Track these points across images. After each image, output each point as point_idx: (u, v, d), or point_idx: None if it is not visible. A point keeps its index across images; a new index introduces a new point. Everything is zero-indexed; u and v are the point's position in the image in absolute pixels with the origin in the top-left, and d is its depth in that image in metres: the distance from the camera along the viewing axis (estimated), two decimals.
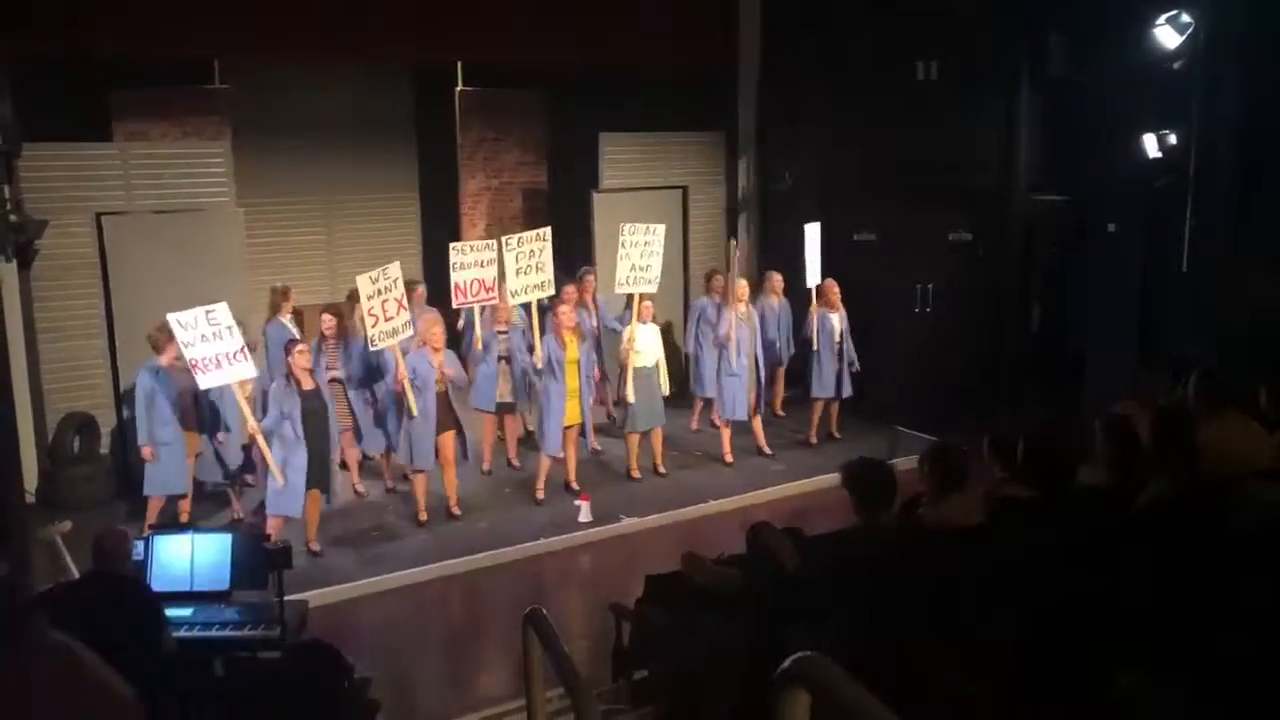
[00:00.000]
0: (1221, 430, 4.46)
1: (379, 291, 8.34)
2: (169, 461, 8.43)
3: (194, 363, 7.73)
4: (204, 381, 7.87)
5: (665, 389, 10.08)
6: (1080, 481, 4.49)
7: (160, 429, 8.38)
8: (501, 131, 13.66)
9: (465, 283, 9.35)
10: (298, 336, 9.34)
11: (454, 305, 9.60)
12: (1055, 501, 4.15)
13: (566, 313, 9.33)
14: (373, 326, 8.33)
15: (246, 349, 7.93)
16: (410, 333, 8.63)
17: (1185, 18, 9.14)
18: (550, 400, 9.27)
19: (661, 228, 9.97)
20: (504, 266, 9.29)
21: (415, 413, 8.49)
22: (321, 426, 8.15)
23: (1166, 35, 9.25)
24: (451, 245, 9.55)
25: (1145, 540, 3.48)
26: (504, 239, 9.45)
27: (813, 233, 10.73)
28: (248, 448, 8.87)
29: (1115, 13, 9.69)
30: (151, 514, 8.45)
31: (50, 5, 9.11)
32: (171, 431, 8.42)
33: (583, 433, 9.62)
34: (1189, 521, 3.58)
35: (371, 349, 8.59)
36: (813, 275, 10.67)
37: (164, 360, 8.39)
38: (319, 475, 8.15)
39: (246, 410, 7.95)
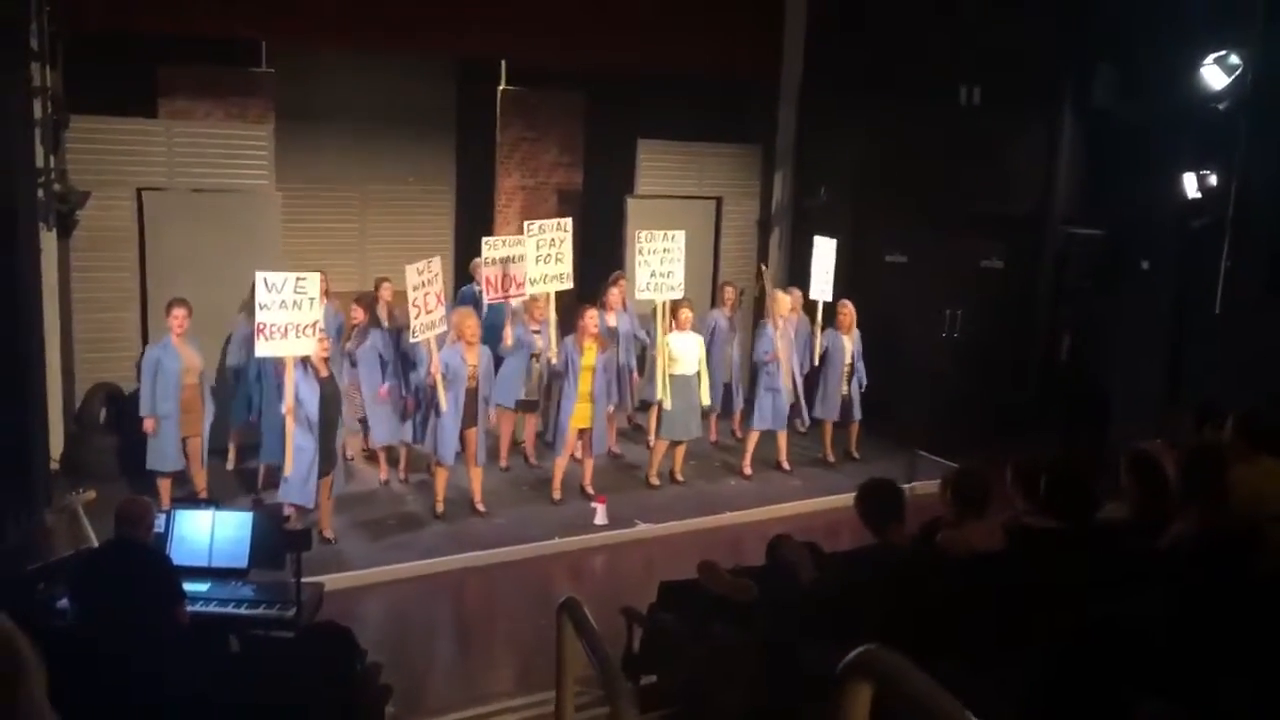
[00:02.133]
0: (1252, 474, 4.44)
1: (424, 283, 8.39)
2: (166, 436, 8.42)
3: (261, 326, 7.67)
4: (262, 349, 7.80)
5: (705, 399, 10.08)
6: (1103, 516, 4.48)
7: (162, 403, 8.37)
8: (540, 131, 13.71)
9: (496, 277, 9.41)
10: (337, 322, 9.46)
11: (485, 300, 9.65)
12: (1077, 533, 4.14)
13: (592, 317, 9.32)
14: (416, 318, 8.37)
15: (318, 325, 7.94)
16: (445, 327, 8.68)
17: (1234, 59, 9.09)
18: (562, 402, 9.31)
19: (681, 234, 9.97)
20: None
21: (445, 407, 8.53)
22: (335, 414, 8.18)
23: (1214, 75, 9.20)
24: (484, 239, 9.60)
25: (1168, 577, 3.47)
26: (526, 224, 9.48)
27: (824, 247, 10.74)
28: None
29: (1164, 48, 9.63)
30: (163, 492, 8.39)
31: None
32: (171, 406, 8.39)
33: (596, 435, 9.59)
34: (1213, 561, 3.57)
35: (412, 340, 8.62)
36: (820, 290, 10.68)
37: (173, 334, 8.42)
38: (329, 463, 8.17)
39: (289, 389, 7.82)
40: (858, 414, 10.85)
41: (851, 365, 10.70)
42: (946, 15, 10.93)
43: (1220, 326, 9.55)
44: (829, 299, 10.70)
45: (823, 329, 10.68)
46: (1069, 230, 11.23)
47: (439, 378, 8.48)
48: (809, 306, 10.83)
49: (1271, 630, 3.09)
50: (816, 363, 10.65)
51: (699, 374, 9.90)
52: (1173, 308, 10.17)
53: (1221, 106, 9.26)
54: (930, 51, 11.19)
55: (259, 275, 7.77)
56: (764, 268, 10.94)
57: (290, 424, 7.79)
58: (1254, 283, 9.29)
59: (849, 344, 10.66)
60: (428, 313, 8.42)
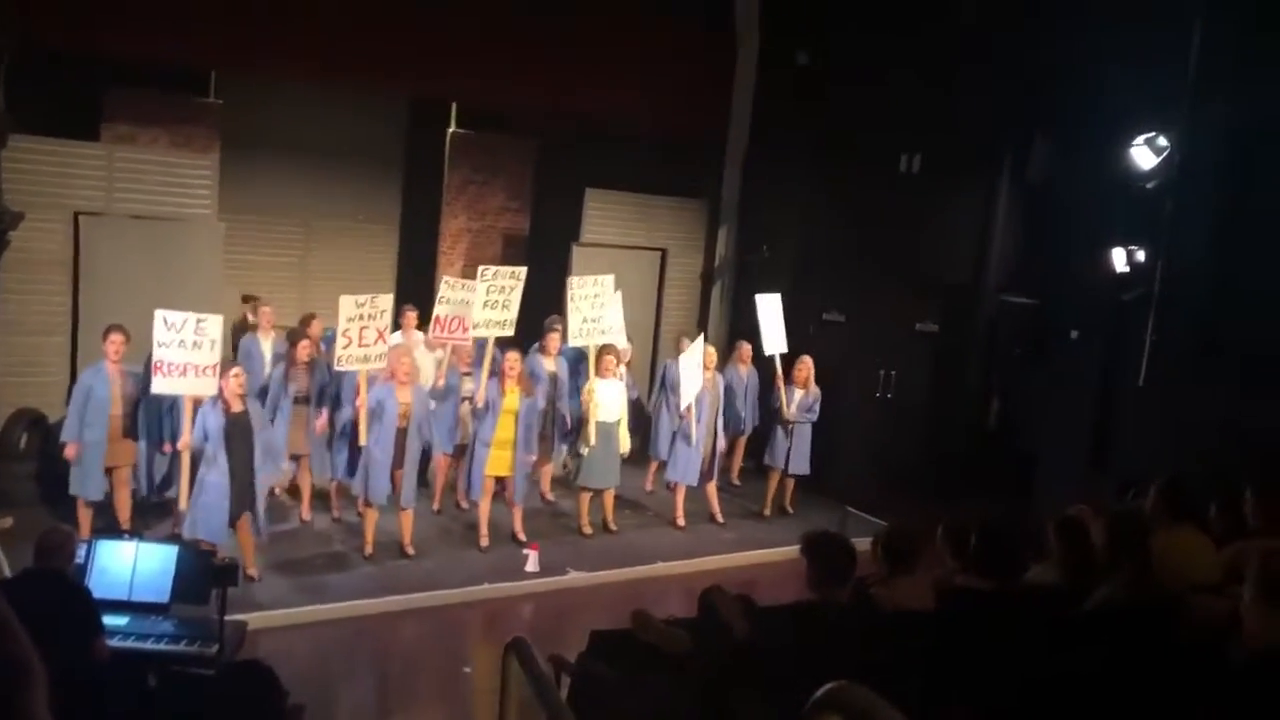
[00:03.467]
0: (1174, 541, 4.56)
1: (361, 316, 8.35)
2: (91, 464, 8.21)
3: (159, 364, 7.65)
4: (158, 385, 7.79)
5: (625, 447, 10.07)
6: (1031, 579, 4.57)
7: (88, 430, 8.18)
8: (488, 175, 13.78)
9: (446, 317, 9.40)
10: (265, 355, 9.35)
11: (430, 338, 9.63)
12: (1006, 594, 4.21)
13: (514, 359, 9.19)
14: (344, 348, 8.32)
15: (217, 369, 7.85)
16: (382, 364, 8.62)
17: (1162, 141, 9.44)
18: (476, 446, 9.22)
19: (610, 278, 10.00)
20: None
21: (364, 441, 8.45)
22: (245, 450, 7.88)
23: (1143, 155, 9.54)
24: (444, 278, 9.61)
25: (1094, 640, 3.55)
26: (481, 269, 9.49)
27: (768, 304, 10.87)
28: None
29: (1098, 126, 9.98)
30: (83, 521, 8.16)
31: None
32: (98, 433, 8.19)
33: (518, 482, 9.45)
34: (1138, 626, 3.65)
35: (336, 368, 8.58)
36: (771, 344, 10.79)
37: (107, 357, 8.25)
38: (242, 500, 7.91)
39: (187, 424, 7.79)
40: (805, 468, 10.91)
41: (794, 420, 10.74)
42: (890, 85, 11.23)
43: (1144, 397, 9.82)
44: (784, 351, 10.80)
45: (786, 383, 10.76)
46: (1002, 298, 11.51)
47: (364, 412, 8.41)
48: (763, 361, 10.89)
49: (1192, 696, 3.16)
50: (788, 414, 10.69)
51: (619, 421, 9.89)
52: (1100, 377, 10.44)
53: (1150, 185, 9.59)
54: (873, 119, 11.48)
55: (158, 313, 7.74)
56: (685, 341, 10.96)
57: (185, 459, 7.71)
58: (1178, 356, 9.58)
59: (801, 398, 10.75)
60: (360, 345, 8.37)
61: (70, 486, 8.27)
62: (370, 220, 13.29)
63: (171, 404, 8.56)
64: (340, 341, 8.34)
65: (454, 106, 13.11)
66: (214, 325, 7.81)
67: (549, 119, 12.34)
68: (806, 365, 10.78)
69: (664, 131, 12.29)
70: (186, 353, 7.68)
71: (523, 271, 9.58)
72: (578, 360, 10.31)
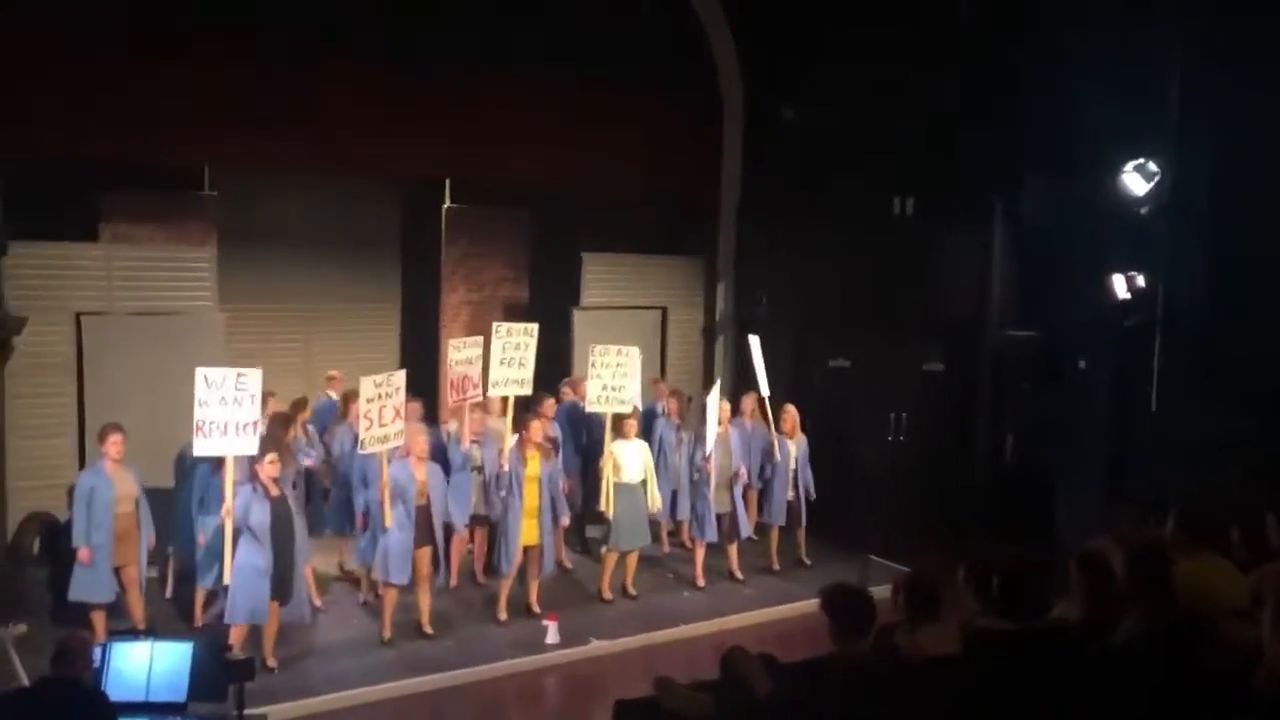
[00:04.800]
0: (1197, 569, 4.48)
1: (380, 396, 8.30)
2: (100, 565, 8.10)
3: (200, 424, 7.56)
4: (200, 447, 7.67)
5: (654, 505, 10.02)
6: (1056, 616, 4.48)
7: (95, 532, 8.07)
8: (485, 247, 13.82)
9: (459, 379, 9.43)
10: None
11: (450, 403, 9.62)
12: (1032, 635, 4.13)
13: (535, 428, 9.23)
14: (366, 430, 8.27)
15: (258, 425, 7.82)
16: (400, 442, 8.58)
17: (1152, 166, 9.49)
18: (508, 519, 9.15)
19: (635, 350, 10.09)
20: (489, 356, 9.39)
21: (389, 524, 8.39)
22: (287, 534, 7.94)
23: (1134, 181, 9.59)
24: (450, 341, 9.66)
25: (1122, 676, 3.47)
26: (495, 325, 9.54)
27: (755, 345, 10.88)
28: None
29: (1086, 156, 10.04)
30: (97, 624, 8.05)
31: (47, 107, 9.25)
32: (104, 535, 8.10)
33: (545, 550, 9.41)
34: (1164, 658, 3.58)
35: (361, 452, 8.52)
36: (762, 385, 10.78)
37: (107, 461, 8.19)
38: (283, 588, 7.92)
39: (229, 493, 7.65)
40: (803, 519, 10.82)
41: (796, 470, 10.70)
42: (878, 131, 11.32)
43: (1157, 421, 9.76)
44: (767, 394, 10.77)
45: (777, 432, 10.72)
46: (1005, 333, 11.50)
47: (387, 493, 8.36)
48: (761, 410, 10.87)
49: None
50: (792, 466, 10.63)
51: (644, 482, 9.87)
52: (1111, 404, 10.39)
53: (1144, 210, 9.63)
54: (862, 164, 11.56)
55: (199, 371, 7.66)
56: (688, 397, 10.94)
57: (229, 530, 7.58)
58: (1187, 377, 9.54)
59: (794, 448, 10.70)
60: (380, 425, 8.32)
61: (71, 592, 8.11)
62: (370, 299, 13.35)
63: (201, 498, 8.53)
64: (363, 425, 8.25)
65: (447, 182, 13.23)
66: (254, 380, 7.75)
67: (542, 188, 12.44)
68: (791, 414, 10.75)
69: (657, 191, 12.39)
70: (228, 409, 7.60)
71: (535, 328, 9.67)
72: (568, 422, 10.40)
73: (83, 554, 8.07)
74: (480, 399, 9.65)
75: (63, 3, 9.34)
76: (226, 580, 7.63)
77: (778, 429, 10.70)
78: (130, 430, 8.41)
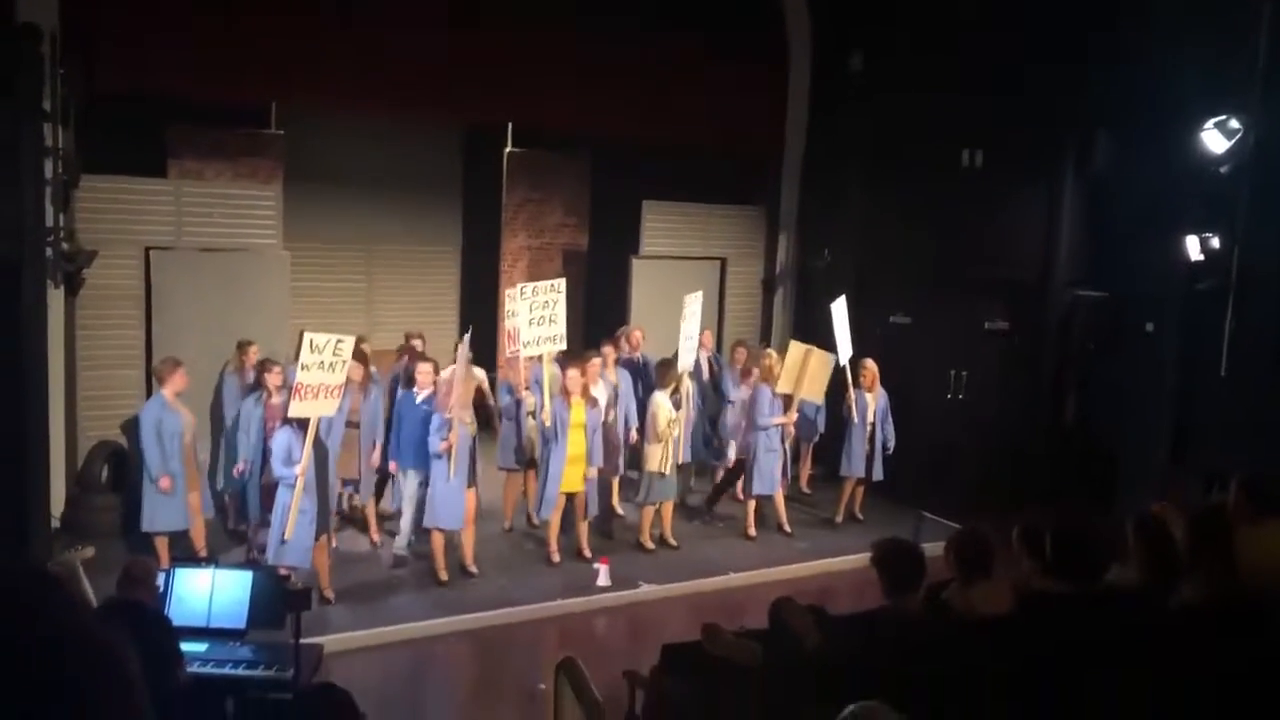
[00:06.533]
0: (1257, 538, 4.39)
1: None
2: (177, 495, 8.32)
3: (299, 386, 7.60)
4: (295, 409, 7.68)
5: (684, 456, 10.01)
6: (1111, 580, 4.42)
7: (170, 461, 8.27)
8: (546, 193, 13.84)
9: (514, 330, 9.51)
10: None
11: (507, 353, 9.71)
12: (1086, 597, 4.09)
13: (574, 376, 9.14)
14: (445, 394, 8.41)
15: (342, 389, 7.92)
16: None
17: (1234, 123, 9.16)
18: (548, 464, 9.17)
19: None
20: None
21: (453, 476, 8.47)
22: (324, 472, 8.04)
23: (1214, 139, 9.27)
24: (507, 291, 9.70)
25: (1178, 643, 3.42)
26: (519, 286, 9.50)
27: (840, 309, 10.73)
28: (263, 489, 8.61)
29: (1164, 113, 9.72)
30: (161, 550, 8.27)
31: (115, 43, 9.37)
32: (178, 465, 8.31)
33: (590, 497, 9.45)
34: (1224, 627, 3.52)
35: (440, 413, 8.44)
36: (843, 351, 10.65)
37: (168, 393, 8.34)
38: (324, 522, 8.05)
39: (308, 450, 7.70)
40: (879, 474, 10.73)
41: (874, 425, 10.63)
42: (948, 80, 11.04)
43: (1226, 388, 9.52)
44: (849, 356, 10.65)
45: (854, 387, 10.62)
46: (1073, 292, 11.25)
47: (454, 449, 8.39)
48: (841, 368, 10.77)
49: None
50: (853, 423, 10.56)
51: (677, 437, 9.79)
52: (1177, 369, 10.15)
53: (1223, 170, 9.32)
54: (931, 117, 11.30)
55: (305, 335, 7.71)
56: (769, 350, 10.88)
57: (300, 487, 7.65)
58: (1259, 344, 9.28)
59: (871, 402, 10.61)
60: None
61: (151, 521, 8.32)
62: (431, 243, 13.43)
63: (235, 427, 8.70)
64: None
65: (509, 127, 13.21)
66: (348, 347, 7.84)
67: (603, 134, 12.36)
68: (871, 369, 10.61)
69: (720, 142, 12.25)
70: (324, 374, 7.68)
71: (562, 283, 9.55)
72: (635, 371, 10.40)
73: (164, 483, 8.24)
74: (519, 360, 9.68)
75: None
76: (289, 535, 7.67)
77: (855, 384, 10.61)
78: (195, 363, 8.59)
